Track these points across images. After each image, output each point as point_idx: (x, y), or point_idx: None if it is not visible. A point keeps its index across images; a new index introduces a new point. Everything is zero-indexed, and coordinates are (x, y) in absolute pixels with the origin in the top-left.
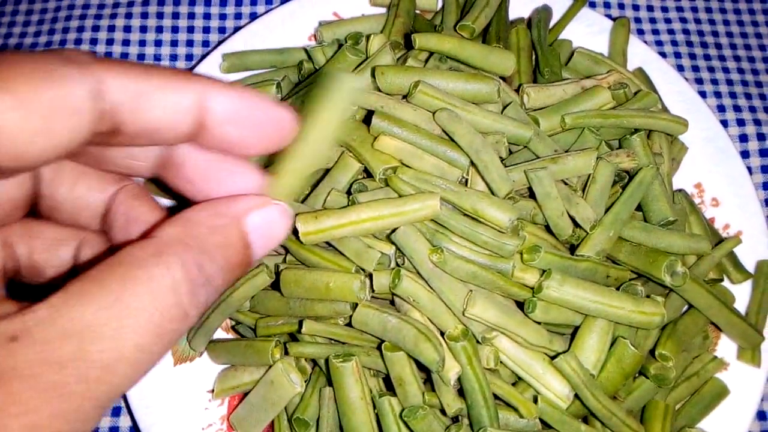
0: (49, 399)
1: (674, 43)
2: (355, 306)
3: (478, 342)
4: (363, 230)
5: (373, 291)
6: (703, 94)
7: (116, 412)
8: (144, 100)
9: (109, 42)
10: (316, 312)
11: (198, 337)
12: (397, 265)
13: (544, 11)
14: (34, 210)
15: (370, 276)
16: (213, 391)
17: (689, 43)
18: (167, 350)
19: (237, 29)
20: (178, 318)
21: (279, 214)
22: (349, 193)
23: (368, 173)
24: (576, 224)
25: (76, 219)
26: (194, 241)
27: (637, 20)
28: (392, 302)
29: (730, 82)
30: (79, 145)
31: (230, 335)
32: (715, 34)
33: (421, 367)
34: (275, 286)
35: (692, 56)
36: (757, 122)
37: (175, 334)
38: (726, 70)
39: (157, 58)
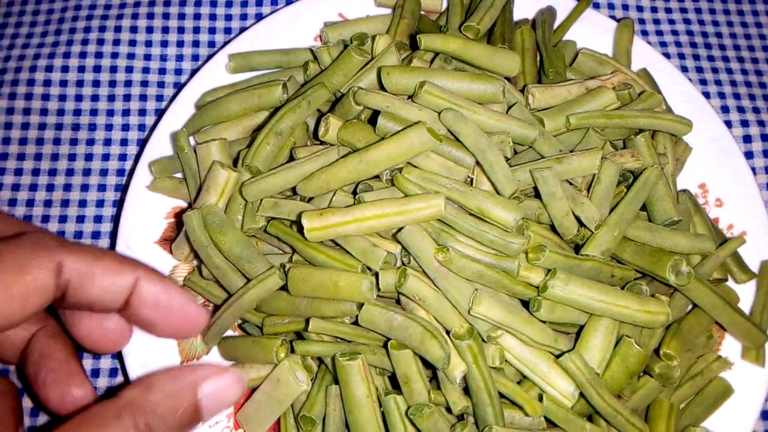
0: None
1: (678, 43)
2: (361, 305)
3: (483, 340)
4: (367, 228)
5: (379, 290)
6: (706, 95)
7: None
8: (88, 281)
9: (116, 42)
10: (323, 311)
11: (211, 335)
12: (403, 264)
13: (549, 12)
14: None
15: (376, 275)
16: None
17: (693, 44)
18: None
19: (243, 30)
20: None
21: (232, 382)
22: (354, 193)
23: None
24: (581, 224)
25: None
26: (149, 404)
27: (641, 21)
28: (398, 301)
29: (733, 83)
30: (41, 310)
31: (237, 333)
32: (719, 35)
33: (427, 364)
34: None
35: (696, 57)
36: (761, 123)
37: None
38: (730, 70)
39: (164, 58)
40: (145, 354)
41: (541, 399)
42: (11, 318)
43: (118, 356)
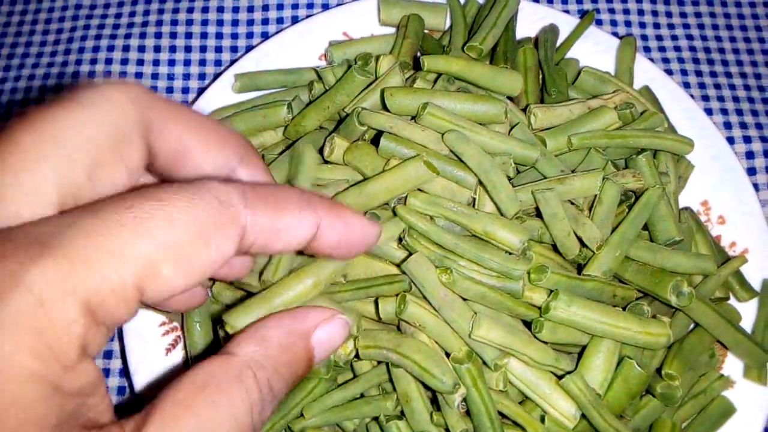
0: None
1: (681, 60)
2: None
3: (488, 367)
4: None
5: (379, 318)
6: (709, 111)
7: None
8: (271, 242)
9: (124, 62)
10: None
11: None
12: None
13: (551, 31)
14: None
15: (376, 302)
16: None
17: (695, 60)
18: None
19: (249, 48)
20: None
21: (341, 327)
22: None
23: None
24: (583, 244)
25: None
26: (268, 361)
27: (644, 37)
28: (398, 327)
29: (736, 99)
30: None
31: None
32: (722, 50)
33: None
34: None
35: (698, 73)
36: (764, 139)
37: None
38: (732, 86)
39: (171, 77)
40: (153, 373)
41: (543, 420)
42: (186, 286)
43: (126, 375)
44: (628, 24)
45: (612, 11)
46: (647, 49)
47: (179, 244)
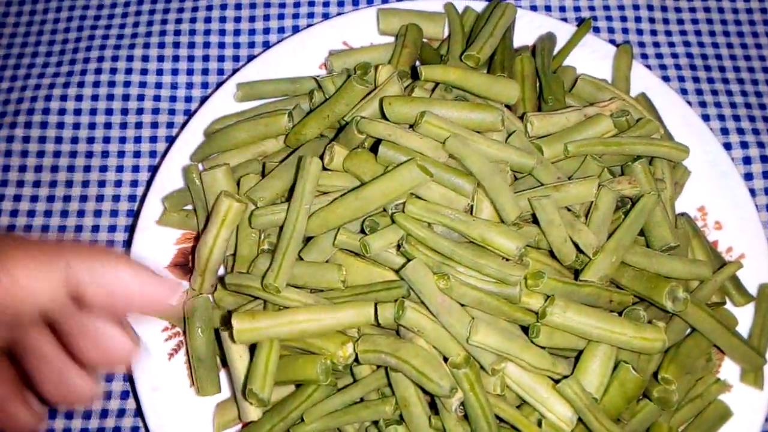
0: None
1: (677, 66)
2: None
3: (486, 372)
4: (299, 332)
5: (378, 324)
6: (706, 117)
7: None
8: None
9: (128, 71)
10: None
11: None
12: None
13: (549, 39)
14: None
15: (375, 308)
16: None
17: (692, 66)
18: None
19: (250, 58)
20: None
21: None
22: (362, 230)
23: None
24: (579, 250)
25: None
26: None
27: (641, 44)
28: (397, 332)
29: (733, 105)
30: None
31: None
32: (719, 56)
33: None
34: None
35: (696, 79)
36: (761, 144)
37: None
38: (729, 92)
39: (174, 86)
40: (156, 378)
41: (540, 424)
42: None
43: (129, 379)
44: (625, 31)
45: (609, 18)
46: (644, 56)
47: None
